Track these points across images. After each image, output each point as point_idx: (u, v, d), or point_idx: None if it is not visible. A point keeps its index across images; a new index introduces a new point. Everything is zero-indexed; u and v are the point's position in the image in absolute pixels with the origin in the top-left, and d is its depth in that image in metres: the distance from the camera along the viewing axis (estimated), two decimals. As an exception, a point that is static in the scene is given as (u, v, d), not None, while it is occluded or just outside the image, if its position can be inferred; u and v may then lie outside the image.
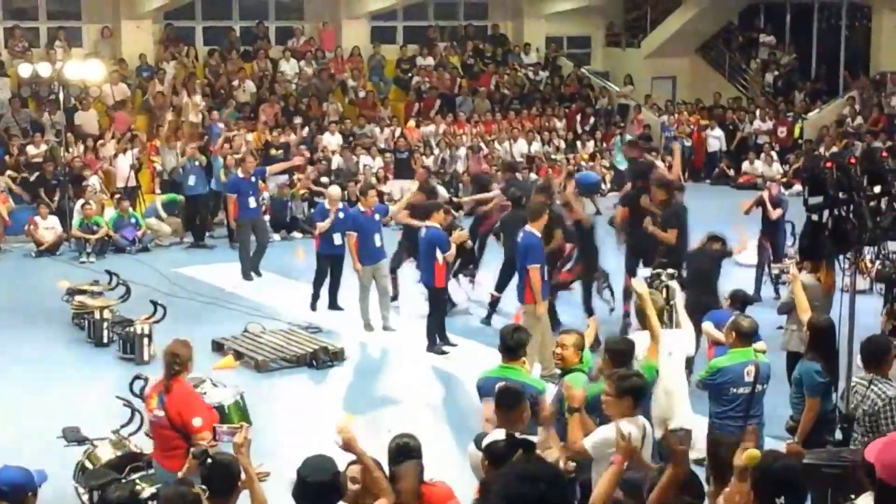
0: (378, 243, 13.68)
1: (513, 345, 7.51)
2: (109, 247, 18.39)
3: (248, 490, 5.72)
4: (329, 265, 14.50)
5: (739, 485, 5.00)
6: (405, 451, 6.04)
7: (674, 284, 9.66)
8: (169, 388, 7.29)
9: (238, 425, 5.52)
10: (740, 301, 9.99)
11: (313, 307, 14.54)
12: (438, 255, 12.50)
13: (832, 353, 7.93)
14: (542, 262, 11.35)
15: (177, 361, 7.31)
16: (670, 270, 10.24)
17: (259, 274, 16.52)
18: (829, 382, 7.81)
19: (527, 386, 7.13)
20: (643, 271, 12.19)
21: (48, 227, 18.57)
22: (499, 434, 5.87)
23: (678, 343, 8.52)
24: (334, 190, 15.12)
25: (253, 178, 16.75)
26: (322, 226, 14.40)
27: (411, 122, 24.85)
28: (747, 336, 8.13)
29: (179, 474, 6.44)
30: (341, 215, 14.27)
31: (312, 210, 17.11)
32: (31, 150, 20.60)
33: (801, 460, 5.42)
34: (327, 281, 14.57)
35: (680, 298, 9.34)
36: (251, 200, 16.57)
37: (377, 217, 13.86)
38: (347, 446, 5.66)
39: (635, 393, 6.41)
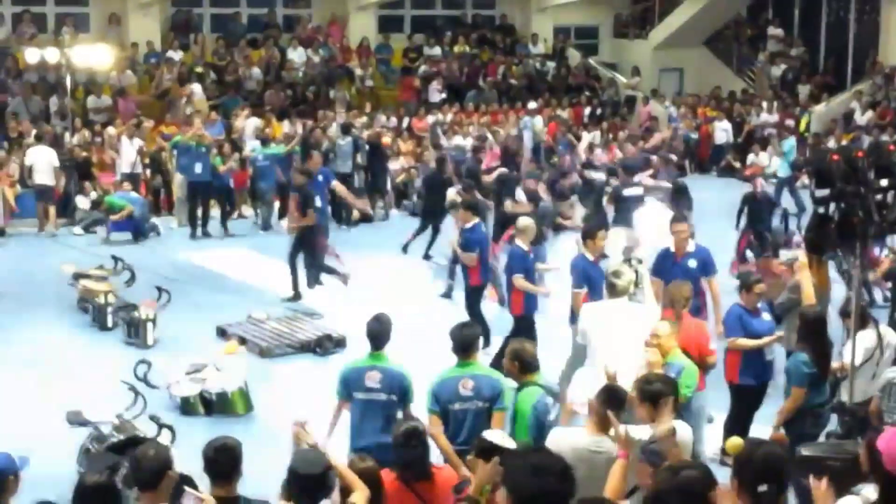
0: None
1: (463, 342, 7.25)
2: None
3: None
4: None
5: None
6: (414, 435, 6.04)
7: (642, 269, 9.66)
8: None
9: (203, 496, 5.15)
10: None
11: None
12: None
13: (823, 345, 7.97)
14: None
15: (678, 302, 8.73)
16: (639, 257, 10.27)
17: (320, 283, 14.55)
18: (817, 374, 7.85)
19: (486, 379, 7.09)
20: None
21: None
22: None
23: (640, 317, 8.52)
24: (527, 222, 10.97)
25: (320, 177, 15.31)
26: (525, 285, 10.58)
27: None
28: None
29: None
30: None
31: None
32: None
33: (785, 448, 5.39)
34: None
35: (647, 283, 9.36)
36: (316, 200, 14.61)
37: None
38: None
39: (654, 399, 6.16)
